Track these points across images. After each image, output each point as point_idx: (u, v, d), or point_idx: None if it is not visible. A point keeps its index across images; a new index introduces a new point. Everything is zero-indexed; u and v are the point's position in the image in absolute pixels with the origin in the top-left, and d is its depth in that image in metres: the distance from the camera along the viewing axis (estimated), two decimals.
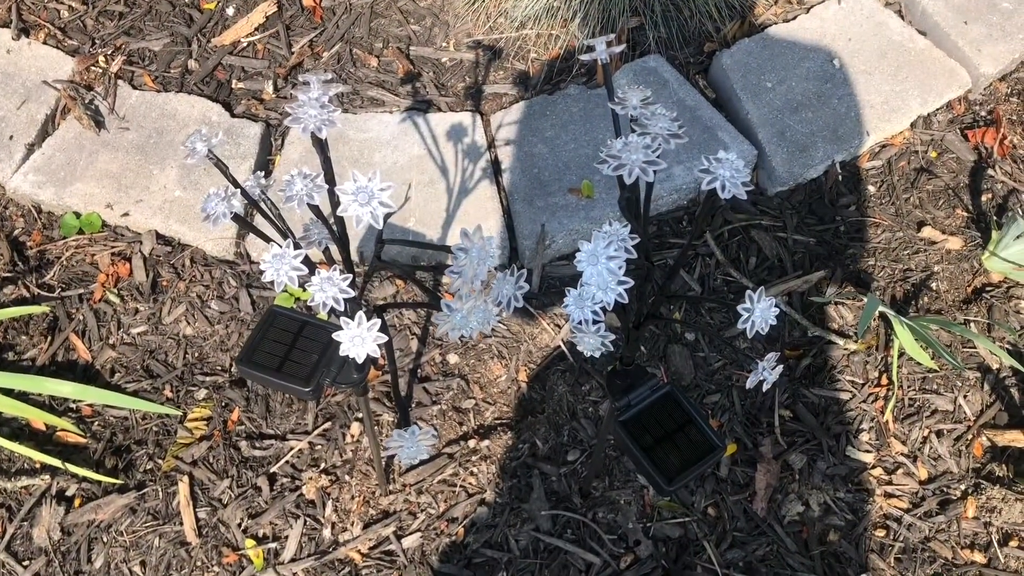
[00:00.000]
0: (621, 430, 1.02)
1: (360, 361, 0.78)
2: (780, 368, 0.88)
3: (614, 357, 1.49)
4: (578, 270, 0.73)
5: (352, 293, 0.78)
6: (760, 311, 0.80)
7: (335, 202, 0.83)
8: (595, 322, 0.80)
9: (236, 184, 0.84)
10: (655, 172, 0.67)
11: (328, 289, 0.78)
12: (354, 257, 1.57)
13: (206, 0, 1.88)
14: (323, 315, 1.13)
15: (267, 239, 0.84)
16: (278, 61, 1.81)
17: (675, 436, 1.03)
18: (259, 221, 1.51)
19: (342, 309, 0.80)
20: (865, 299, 1.52)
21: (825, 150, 1.65)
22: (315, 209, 0.79)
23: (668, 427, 1.03)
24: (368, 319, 0.77)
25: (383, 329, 0.78)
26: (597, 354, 0.85)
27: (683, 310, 1.56)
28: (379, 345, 0.78)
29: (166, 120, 1.70)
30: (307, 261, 0.79)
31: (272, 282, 0.77)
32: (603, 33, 1.76)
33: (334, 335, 0.78)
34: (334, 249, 0.92)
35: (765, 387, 0.88)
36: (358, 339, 0.77)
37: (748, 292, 0.79)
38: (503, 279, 0.79)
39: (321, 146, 0.75)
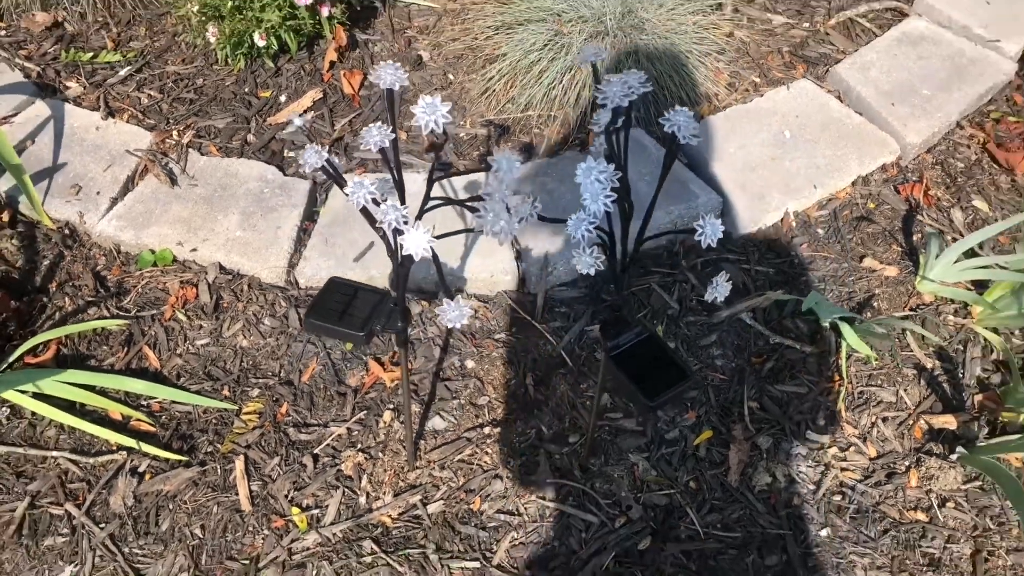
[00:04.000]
0: (612, 363, 1.29)
1: (417, 258, 1.06)
2: (730, 285, 1.16)
3: (607, 306, 1.79)
4: (576, 182, 1.03)
5: (410, 219, 1.07)
6: (711, 226, 1.09)
7: (395, 150, 1.14)
8: (590, 245, 1.09)
9: (330, 175, 1.15)
10: (630, 101, 0.98)
11: (392, 213, 1.07)
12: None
13: (263, 89, 2.25)
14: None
15: (343, 184, 1.14)
16: (323, 136, 2.16)
17: (656, 369, 1.29)
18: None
19: (404, 229, 1.09)
20: (816, 315, 1.80)
21: (779, 199, 1.98)
22: (383, 153, 1.09)
23: (650, 361, 1.30)
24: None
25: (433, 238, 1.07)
26: (592, 271, 1.13)
27: (664, 324, 1.84)
28: (431, 247, 1.06)
29: (229, 178, 2.03)
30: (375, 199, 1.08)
31: (352, 196, 1.07)
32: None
33: (400, 240, 1.06)
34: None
35: (719, 299, 1.16)
36: (418, 239, 1.06)
37: (701, 213, 1.09)
38: (522, 204, 1.09)
39: (391, 99, 1.06)
